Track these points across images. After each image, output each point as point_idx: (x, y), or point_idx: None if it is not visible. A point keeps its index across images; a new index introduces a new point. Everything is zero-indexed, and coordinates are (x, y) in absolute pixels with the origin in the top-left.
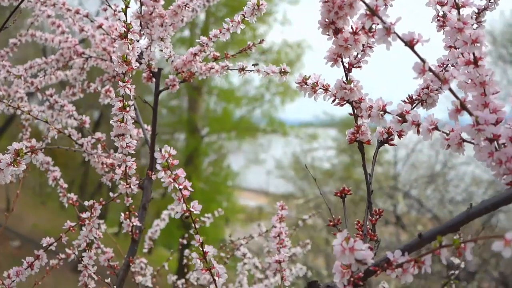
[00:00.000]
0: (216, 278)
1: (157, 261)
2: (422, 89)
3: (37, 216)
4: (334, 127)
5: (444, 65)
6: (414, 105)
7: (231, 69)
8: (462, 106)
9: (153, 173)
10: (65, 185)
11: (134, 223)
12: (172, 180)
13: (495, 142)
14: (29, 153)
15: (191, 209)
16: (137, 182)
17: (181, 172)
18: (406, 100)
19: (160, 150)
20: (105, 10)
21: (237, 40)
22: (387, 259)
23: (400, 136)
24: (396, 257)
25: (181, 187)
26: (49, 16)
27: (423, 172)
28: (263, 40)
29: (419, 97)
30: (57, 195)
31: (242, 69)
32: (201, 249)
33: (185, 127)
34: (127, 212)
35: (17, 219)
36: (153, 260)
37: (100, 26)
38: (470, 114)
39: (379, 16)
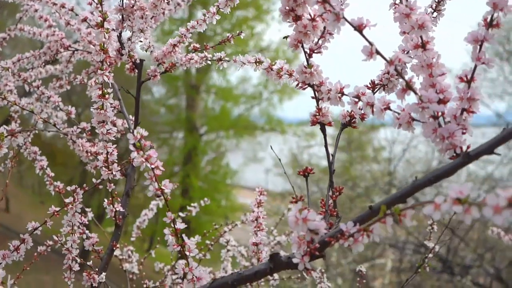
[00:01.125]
0: (187, 253)
1: (156, 259)
2: (383, 74)
3: (36, 215)
4: (331, 126)
5: (405, 51)
6: (376, 89)
7: (209, 60)
8: (408, 86)
9: None
10: (52, 174)
11: (117, 209)
12: (144, 160)
13: (439, 119)
14: (9, 137)
15: (163, 187)
16: (119, 168)
17: (153, 153)
18: (368, 85)
19: (133, 132)
20: (90, 4)
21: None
22: (340, 230)
23: (362, 119)
24: (348, 228)
25: (153, 166)
26: (36, 11)
27: (419, 169)
28: (241, 32)
29: (380, 82)
30: (56, 195)
31: (220, 59)
32: (173, 226)
33: (183, 126)
34: (110, 198)
35: (16, 219)
36: (153, 259)
37: (84, 20)
38: (415, 93)
39: (329, 2)
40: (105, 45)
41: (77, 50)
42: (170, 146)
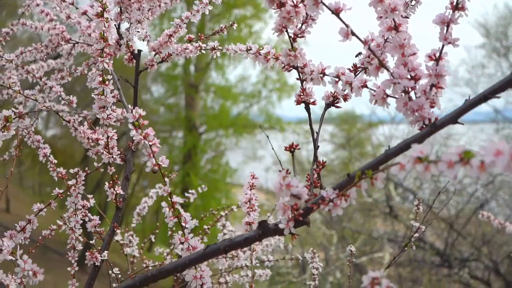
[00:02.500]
0: (183, 224)
1: (156, 258)
2: (365, 57)
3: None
4: (331, 123)
5: (385, 37)
6: (358, 72)
7: (204, 49)
8: (380, 64)
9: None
10: (55, 161)
11: (118, 192)
12: (142, 138)
13: (410, 95)
14: (17, 118)
15: (160, 163)
16: (119, 152)
17: (150, 131)
18: (351, 68)
19: (132, 111)
20: None
21: (233, 36)
22: (322, 197)
23: (345, 99)
24: (328, 194)
25: (151, 143)
26: (37, 5)
27: None
28: (234, 23)
29: (362, 65)
30: (56, 196)
31: (213, 49)
32: (170, 199)
33: (183, 125)
34: (111, 182)
35: (16, 219)
36: (153, 257)
37: (84, 13)
38: (388, 70)
39: None
40: (104, 34)
41: (77, 42)
42: (169, 145)
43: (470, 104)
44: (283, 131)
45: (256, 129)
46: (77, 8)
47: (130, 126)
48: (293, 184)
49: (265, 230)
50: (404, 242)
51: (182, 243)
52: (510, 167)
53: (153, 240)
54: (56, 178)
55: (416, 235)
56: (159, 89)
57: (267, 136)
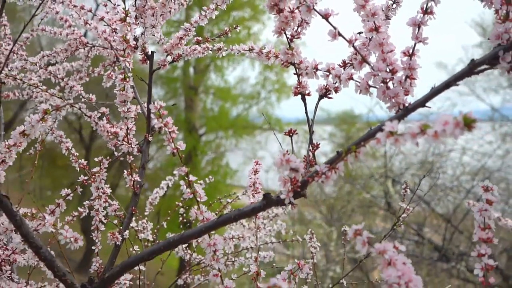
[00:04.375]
0: (198, 199)
1: (158, 259)
2: (352, 55)
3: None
4: (330, 123)
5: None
6: (347, 67)
7: (210, 50)
8: (363, 59)
9: (151, 135)
10: (76, 154)
11: (135, 179)
12: (163, 125)
13: (388, 84)
14: (54, 111)
15: (178, 147)
16: (137, 142)
17: (169, 120)
18: (341, 64)
19: (154, 103)
20: (105, 5)
21: (232, 39)
22: (316, 171)
23: (336, 91)
24: (321, 168)
25: (170, 130)
26: (57, 13)
27: (415, 161)
28: (237, 25)
29: (350, 61)
30: (57, 198)
31: (219, 49)
32: (187, 178)
33: (182, 127)
34: (129, 170)
35: None
36: (155, 258)
37: (102, 19)
38: (369, 64)
39: None
40: (126, 36)
41: (94, 46)
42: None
43: (436, 91)
44: (283, 132)
45: (255, 130)
46: (94, 15)
47: (152, 116)
48: (291, 159)
49: (268, 201)
50: (394, 222)
51: (197, 216)
52: (455, 133)
53: (165, 226)
54: (78, 169)
55: (404, 215)
56: (159, 91)
57: (274, 133)
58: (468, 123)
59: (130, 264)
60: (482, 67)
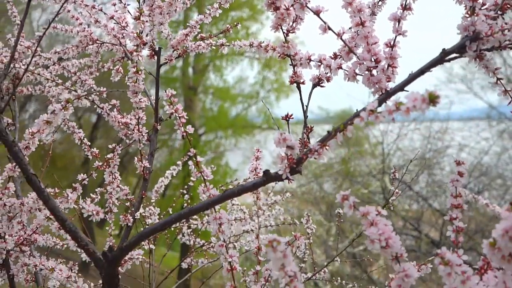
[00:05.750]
0: (205, 177)
1: (158, 260)
2: (342, 47)
3: None
4: (329, 122)
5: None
6: (337, 58)
7: (214, 46)
8: (350, 50)
9: (159, 124)
10: (89, 143)
11: (145, 165)
12: (174, 111)
13: (372, 72)
14: (76, 100)
15: (187, 130)
16: (147, 131)
17: (179, 106)
18: (332, 56)
19: (165, 91)
20: (114, 4)
21: (231, 38)
22: (309, 149)
23: (328, 80)
24: (314, 146)
25: (180, 115)
26: (69, 11)
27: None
28: (238, 23)
29: (340, 53)
30: (58, 198)
31: (222, 45)
32: (195, 159)
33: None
34: (139, 156)
35: None
36: (155, 260)
37: (112, 17)
38: (355, 54)
39: None
40: (140, 33)
41: (103, 43)
42: (169, 147)
43: (413, 76)
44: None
45: (254, 129)
46: (105, 14)
47: (164, 102)
48: (288, 138)
49: (268, 177)
50: (383, 203)
51: (204, 192)
52: (422, 108)
53: (171, 213)
54: (90, 157)
55: (393, 198)
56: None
57: (278, 127)
58: (432, 99)
59: (145, 234)
60: (453, 56)
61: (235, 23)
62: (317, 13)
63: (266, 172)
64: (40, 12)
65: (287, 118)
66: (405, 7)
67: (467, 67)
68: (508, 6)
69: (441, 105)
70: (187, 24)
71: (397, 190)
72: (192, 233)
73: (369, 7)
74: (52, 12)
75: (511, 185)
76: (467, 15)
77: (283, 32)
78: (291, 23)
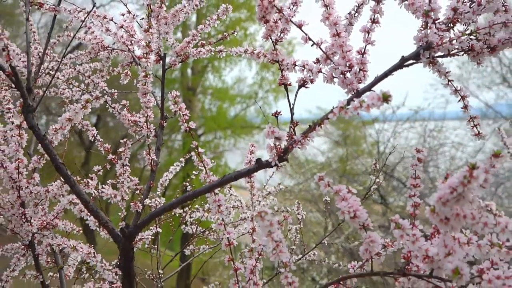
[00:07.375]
0: (205, 166)
1: (176, 219)
2: (321, 55)
3: None
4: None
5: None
6: (319, 63)
7: (213, 52)
8: (327, 57)
9: (164, 121)
10: (101, 139)
11: (153, 158)
12: (178, 109)
13: (345, 75)
14: (94, 100)
15: (190, 126)
16: (154, 127)
17: (183, 105)
18: (315, 61)
19: (170, 92)
20: (123, 15)
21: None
22: (294, 140)
23: (311, 82)
24: (298, 138)
25: (183, 113)
26: (82, 21)
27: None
28: (234, 31)
29: (320, 60)
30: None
31: (220, 51)
32: (197, 150)
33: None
34: (147, 150)
35: None
36: (155, 259)
37: (121, 26)
38: (331, 61)
39: (282, 12)
40: (149, 43)
41: (113, 49)
42: (169, 147)
43: (378, 79)
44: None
45: (253, 129)
46: (115, 23)
47: (170, 102)
48: (275, 131)
49: (260, 164)
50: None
51: (205, 178)
52: (377, 104)
53: None
54: (103, 152)
55: (375, 186)
56: (157, 93)
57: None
58: (385, 98)
59: (156, 213)
60: (410, 62)
61: (232, 32)
62: (299, 26)
63: (258, 160)
64: (40, 14)
65: (276, 115)
66: (374, 21)
67: (463, 67)
68: (458, 20)
69: (437, 104)
70: (189, 32)
71: (378, 180)
72: (194, 222)
73: (347, 18)
74: (51, 14)
75: (504, 182)
76: (421, 28)
77: (272, 41)
78: (279, 34)
